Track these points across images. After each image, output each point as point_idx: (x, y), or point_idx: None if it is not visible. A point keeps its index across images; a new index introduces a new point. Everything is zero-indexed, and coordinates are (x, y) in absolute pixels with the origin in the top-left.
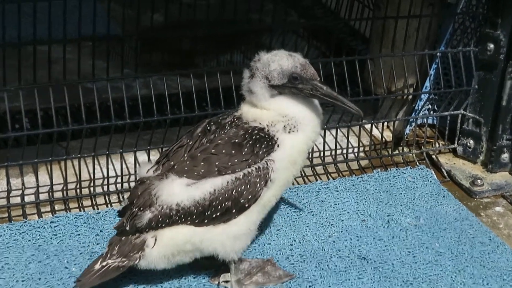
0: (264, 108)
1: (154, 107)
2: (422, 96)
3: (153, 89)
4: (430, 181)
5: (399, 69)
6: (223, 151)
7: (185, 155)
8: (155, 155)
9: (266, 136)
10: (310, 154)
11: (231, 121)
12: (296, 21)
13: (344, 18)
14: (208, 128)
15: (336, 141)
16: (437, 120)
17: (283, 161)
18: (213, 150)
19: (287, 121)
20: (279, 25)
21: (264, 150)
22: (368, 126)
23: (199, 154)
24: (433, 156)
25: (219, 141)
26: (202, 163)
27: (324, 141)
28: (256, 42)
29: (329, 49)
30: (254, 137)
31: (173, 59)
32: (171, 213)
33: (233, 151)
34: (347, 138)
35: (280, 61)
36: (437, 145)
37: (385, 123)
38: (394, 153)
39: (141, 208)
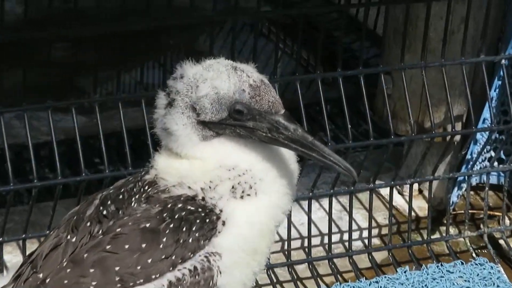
0: (194, 158)
1: (10, 167)
2: (478, 136)
3: (7, 135)
4: (498, 286)
5: (436, 90)
6: (126, 246)
7: (64, 259)
8: (13, 254)
9: (200, 210)
10: (286, 241)
11: (140, 190)
12: (255, 10)
13: (339, 4)
14: (103, 211)
15: (331, 220)
16: (506, 177)
17: (235, 252)
18: (109, 247)
19: (238, 177)
20: (226, 16)
21: (198, 235)
22: (385, 191)
23: (86, 255)
24: (501, 241)
25: (119, 230)
26: (92, 270)
27: (310, 220)
28: (187, 47)
29: (314, 57)
30: (178, 215)
31: (41, 80)
32: None
33: (143, 245)
34: (350, 214)
35: (215, 81)
36: (507, 221)
37: (416, 185)
38: (433, 237)
39: None
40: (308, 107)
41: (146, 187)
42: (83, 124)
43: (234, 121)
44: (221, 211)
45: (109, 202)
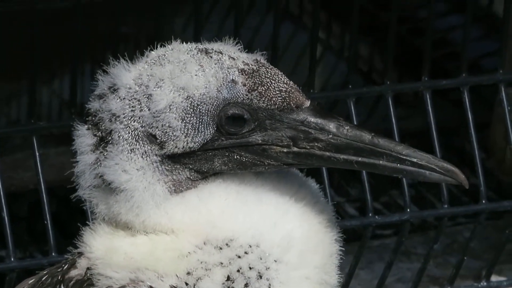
0: (158, 231)
1: None
2: None
3: None
4: None
5: None
6: None
7: None
8: None
9: None
10: None
11: None
12: None
13: None
14: None
15: None
16: None
17: None
18: None
19: (237, 260)
20: None
21: None
22: None
23: None
24: None
25: None
26: None
27: None
28: (152, 38)
29: (382, 56)
30: None
31: None
32: None
33: None
34: None
35: (179, 77)
36: None
37: None
38: None
39: None
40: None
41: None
42: None
43: (229, 140)
44: None
45: None
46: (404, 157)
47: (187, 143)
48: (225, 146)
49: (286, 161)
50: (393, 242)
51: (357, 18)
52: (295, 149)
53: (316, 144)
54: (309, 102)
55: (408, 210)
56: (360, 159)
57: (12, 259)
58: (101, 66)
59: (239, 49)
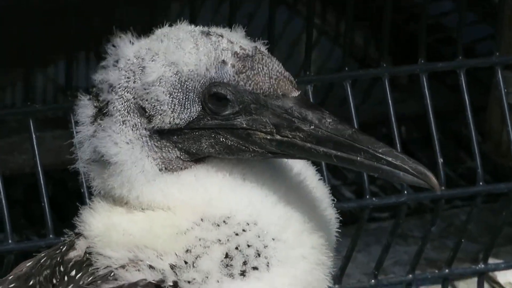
0: (154, 207)
1: None
2: None
3: None
4: None
5: None
6: None
7: None
8: None
9: None
10: None
11: (62, 279)
12: None
13: None
14: None
15: None
16: None
17: None
18: None
19: (235, 237)
20: None
21: None
22: (505, 277)
23: None
24: None
25: None
26: None
27: None
28: (147, 26)
29: (377, 41)
30: None
31: None
32: None
33: None
34: None
35: (173, 53)
36: None
37: None
38: None
39: None
40: (367, 127)
41: (73, 273)
42: None
43: (214, 120)
44: None
45: None
46: (380, 156)
47: (174, 118)
48: (211, 127)
49: (270, 149)
50: (390, 225)
51: (353, 6)
52: (278, 137)
53: (298, 133)
54: (298, 93)
55: (405, 192)
56: (339, 153)
57: (10, 241)
58: (97, 53)
59: (247, 38)
